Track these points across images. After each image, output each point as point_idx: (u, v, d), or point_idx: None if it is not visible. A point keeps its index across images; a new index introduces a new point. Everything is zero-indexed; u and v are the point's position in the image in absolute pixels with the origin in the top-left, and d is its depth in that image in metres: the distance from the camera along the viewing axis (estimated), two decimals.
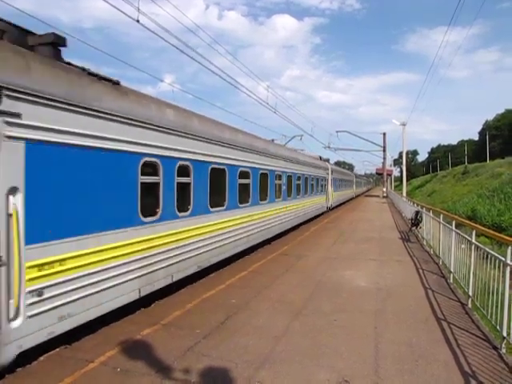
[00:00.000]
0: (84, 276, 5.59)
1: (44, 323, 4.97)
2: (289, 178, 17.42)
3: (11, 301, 4.57)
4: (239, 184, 11.40)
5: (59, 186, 5.19)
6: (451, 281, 9.51)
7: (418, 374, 4.93)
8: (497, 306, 6.08)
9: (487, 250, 6.86)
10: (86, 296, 5.63)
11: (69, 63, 6.06)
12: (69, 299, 5.33)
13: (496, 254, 6.40)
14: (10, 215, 4.55)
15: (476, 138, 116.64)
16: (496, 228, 26.76)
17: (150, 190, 7.24)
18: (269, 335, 6.14)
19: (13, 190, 4.59)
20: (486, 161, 74.20)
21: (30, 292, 4.77)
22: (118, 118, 6.29)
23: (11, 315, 4.57)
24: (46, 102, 5.01)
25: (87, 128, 5.65)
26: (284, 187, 16.60)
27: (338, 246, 14.83)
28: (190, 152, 8.51)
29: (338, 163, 79.75)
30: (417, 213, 17.20)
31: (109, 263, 6.08)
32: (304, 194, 20.90)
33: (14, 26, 5.56)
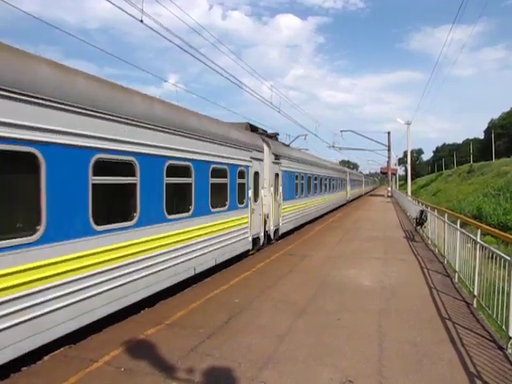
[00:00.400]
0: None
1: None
2: (328, 180, 28.83)
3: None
4: (314, 184, 23.42)
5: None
6: (456, 280, 9.46)
7: (422, 374, 4.90)
8: (502, 306, 6.03)
9: (492, 249, 6.82)
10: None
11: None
12: None
13: (501, 254, 6.36)
14: None
15: (481, 136, 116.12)
16: (502, 227, 26.57)
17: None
18: (272, 335, 6.13)
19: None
20: (491, 159, 73.84)
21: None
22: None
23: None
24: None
25: None
26: (326, 185, 27.96)
27: (343, 244, 14.80)
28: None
29: (342, 163, 79.71)
30: (421, 212, 17.13)
31: None
32: (334, 191, 32.06)
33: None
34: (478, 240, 7.61)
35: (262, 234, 13.77)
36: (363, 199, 55.28)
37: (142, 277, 7.10)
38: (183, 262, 8.47)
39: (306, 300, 7.91)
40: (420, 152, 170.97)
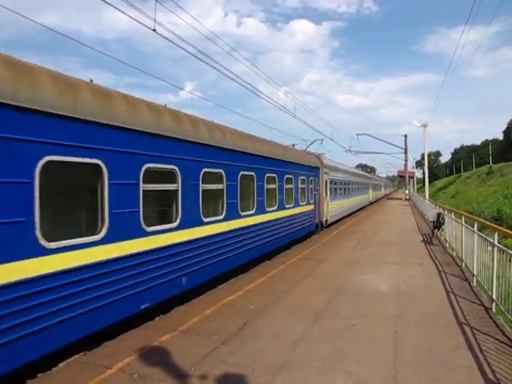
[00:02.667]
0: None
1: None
2: (357, 185, 35.22)
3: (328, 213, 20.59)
4: (348, 188, 29.49)
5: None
6: (474, 284, 9.24)
7: (438, 381, 4.77)
8: None
9: (510, 252, 6.64)
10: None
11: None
12: None
13: None
14: None
15: (500, 137, 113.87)
16: None
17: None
18: (287, 340, 6.06)
19: None
20: (511, 160, 72.36)
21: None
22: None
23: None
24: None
25: None
26: (355, 189, 34.08)
27: (360, 249, 14.62)
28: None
29: (359, 166, 79.59)
30: (438, 215, 16.84)
31: None
32: (361, 194, 38.43)
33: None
34: (496, 243, 7.42)
35: (318, 222, 20.18)
36: (381, 202, 54.80)
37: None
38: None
39: (322, 305, 7.81)
40: (438, 154, 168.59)
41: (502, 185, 49.48)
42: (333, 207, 23.40)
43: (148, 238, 6.86)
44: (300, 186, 16.35)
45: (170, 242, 7.43)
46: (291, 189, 15.23)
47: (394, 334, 6.27)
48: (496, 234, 7.60)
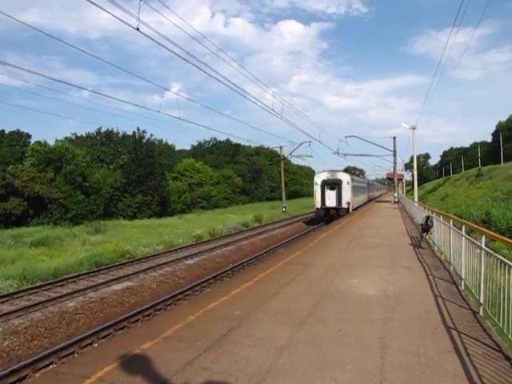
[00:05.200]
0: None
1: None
2: (362, 188, 54.40)
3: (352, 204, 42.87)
4: (358, 190, 49.51)
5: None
6: (462, 288, 9.34)
7: None
8: (509, 314, 5.92)
9: (497, 255, 6.72)
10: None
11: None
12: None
13: (506, 261, 6.26)
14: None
15: (489, 139, 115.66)
16: None
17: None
18: (271, 347, 6.05)
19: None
20: (500, 163, 73.56)
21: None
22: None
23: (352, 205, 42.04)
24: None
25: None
26: (361, 190, 53.29)
27: (347, 252, 14.70)
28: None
29: (348, 170, 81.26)
30: (427, 218, 16.99)
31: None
32: (363, 193, 55.25)
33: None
34: (483, 246, 7.51)
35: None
36: (368, 206, 55.33)
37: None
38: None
39: (307, 310, 7.83)
40: (427, 157, 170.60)
41: (491, 187, 50.18)
42: (354, 201, 41.94)
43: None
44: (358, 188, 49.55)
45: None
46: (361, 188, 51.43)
47: (381, 339, 6.30)
48: (483, 237, 7.69)
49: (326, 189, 39.18)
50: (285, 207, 57.07)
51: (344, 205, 38.69)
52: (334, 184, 39.09)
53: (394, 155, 53.46)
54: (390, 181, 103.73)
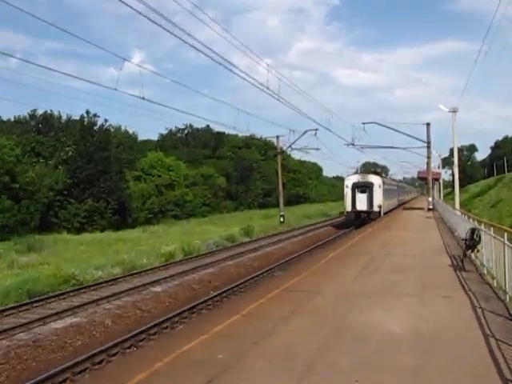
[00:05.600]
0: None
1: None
2: (392, 190, 64.56)
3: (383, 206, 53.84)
4: (389, 193, 58.68)
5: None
6: None
7: None
8: None
9: None
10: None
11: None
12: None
13: None
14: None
15: None
16: None
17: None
18: None
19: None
20: None
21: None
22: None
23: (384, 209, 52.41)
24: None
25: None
26: (391, 194, 61.84)
27: (364, 277, 14.78)
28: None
29: (366, 165, 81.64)
30: (472, 231, 17.03)
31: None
32: (393, 198, 65.54)
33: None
34: None
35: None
36: (396, 212, 55.74)
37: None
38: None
39: (314, 354, 7.85)
40: (472, 149, 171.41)
41: None
42: (384, 204, 49.92)
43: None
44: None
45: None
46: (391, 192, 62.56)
47: None
48: None
49: (357, 192, 48.41)
50: (283, 216, 56.89)
51: (376, 208, 47.50)
52: (364, 187, 48.63)
53: (428, 147, 53.61)
54: (423, 181, 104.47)
